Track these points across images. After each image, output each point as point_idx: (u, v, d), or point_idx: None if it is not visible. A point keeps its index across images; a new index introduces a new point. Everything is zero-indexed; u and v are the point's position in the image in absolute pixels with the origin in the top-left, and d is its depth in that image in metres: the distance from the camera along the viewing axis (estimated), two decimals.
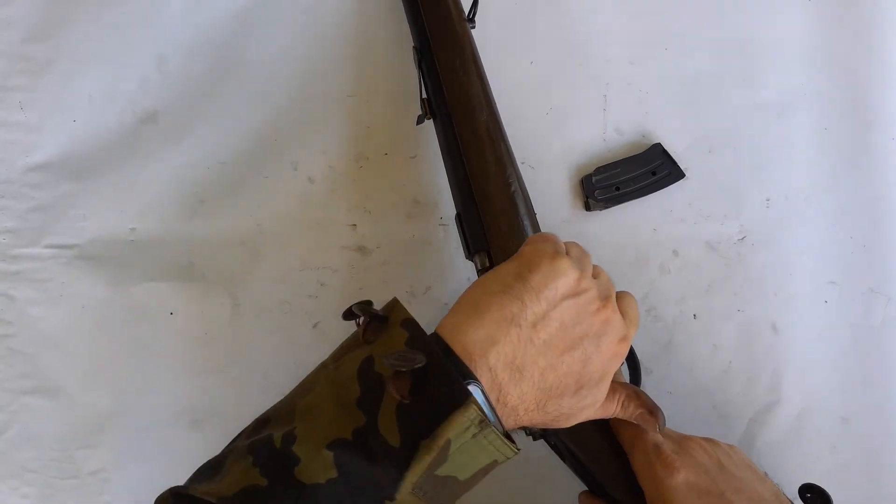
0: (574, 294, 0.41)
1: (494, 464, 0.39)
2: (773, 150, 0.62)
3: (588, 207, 0.60)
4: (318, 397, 0.41)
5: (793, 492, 0.50)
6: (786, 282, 0.61)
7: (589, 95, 0.62)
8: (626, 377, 0.54)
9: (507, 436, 0.39)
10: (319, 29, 0.61)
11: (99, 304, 0.58)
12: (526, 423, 0.42)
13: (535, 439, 0.50)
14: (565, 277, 0.41)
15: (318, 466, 0.37)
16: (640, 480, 0.47)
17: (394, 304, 0.43)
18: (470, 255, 0.52)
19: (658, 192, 0.61)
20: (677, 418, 0.59)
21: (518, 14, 0.62)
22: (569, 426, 0.43)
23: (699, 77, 0.62)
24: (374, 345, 0.41)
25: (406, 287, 0.60)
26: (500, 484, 0.58)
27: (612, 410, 0.46)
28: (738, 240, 0.61)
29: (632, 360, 0.55)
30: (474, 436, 0.37)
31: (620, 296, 0.46)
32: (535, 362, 0.40)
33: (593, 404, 0.43)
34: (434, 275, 0.60)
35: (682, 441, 0.48)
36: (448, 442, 0.37)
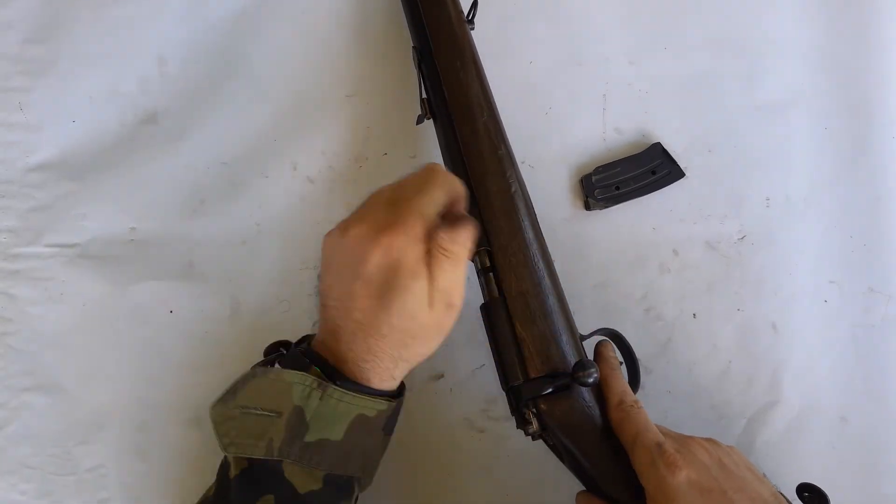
0: (339, 247, 0.44)
1: (364, 418, 0.44)
2: (773, 150, 0.62)
3: (588, 207, 0.60)
4: None
5: (790, 492, 0.50)
6: (785, 281, 0.61)
7: (589, 95, 0.62)
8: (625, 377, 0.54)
9: (379, 392, 0.44)
10: (319, 30, 0.61)
11: (99, 302, 0.58)
12: (398, 359, 0.44)
13: (533, 439, 0.50)
14: (329, 238, 0.45)
15: (233, 465, 0.45)
16: (642, 478, 0.47)
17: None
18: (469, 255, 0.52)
19: (658, 191, 0.61)
20: (677, 417, 0.59)
21: (517, 14, 0.62)
22: (435, 326, 0.45)
23: (699, 76, 0.62)
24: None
25: None
26: (499, 484, 0.58)
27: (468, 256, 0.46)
28: (738, 239, 0.61)
29: (630, 360, 0.55)
30: (321, 398, 0.43)
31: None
32: (340, 317, 0.44)
33: (421, 301, 0.43)
34: None
35: (683, 440, 0.48)
36: (298, 409, 0.42)
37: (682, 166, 0.61)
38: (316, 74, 0.61)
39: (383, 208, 0.44)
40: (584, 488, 0.52)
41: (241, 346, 0.58)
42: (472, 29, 0.55)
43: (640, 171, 0.61)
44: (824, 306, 0.61)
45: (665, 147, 0.61)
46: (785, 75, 0.63)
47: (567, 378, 0.48)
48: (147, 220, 0.59)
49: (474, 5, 0.56)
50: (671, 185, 0.61)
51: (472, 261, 0.52)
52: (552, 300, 0.50)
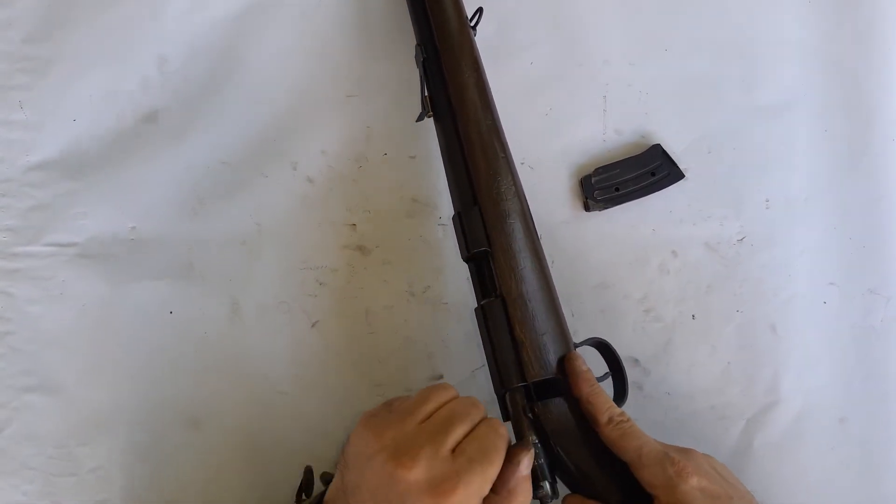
0: (373, 454, 0.40)
1: None
2: (772, 151, 0.62)
3: (587, 208, 0.60)
4: None
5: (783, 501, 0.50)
6: (785, 283, 0.61)
7: (588, 96, 0.62)
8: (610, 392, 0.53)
9: None
10: (320, 29, 0.61)
11: (99, 302, 0.58)
12: None
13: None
14: (361, 440, 0.41)
15: None
16: (652, 488, 0.46)
17: None
18: (468, 255, 0.52)
19: (657, 192, 0.61)
20: (676, 418, 0.59)
21: (518, 14, 0.62)
22: None
23: (699, 78, 0.62)
24: None
25: (405, 286, 0.60)
26: None
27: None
28: (738, 240, 0.61)
29: (619, 372, 0.54)
30: None
31: (475, 428, 0.42)
32: None
33: None
34: (433, 274, 0.60)
35: (683, 450, 0.49)
36: None
37: (681, 168, 0.61)
38: (316, 74, 0.61)
39: (444, 456, 0.40)
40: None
41: (240, 347, 0.58)
42: (475, 35, 0.56)
43: (640, 172, 0.61)
44: (824, 308, 0.61)
45: (665, 148, 0.61)
46: (785, 77, 0.63)
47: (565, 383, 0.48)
48: (147, 219, 0.59)
49: (479, 12, 0.56)
50: (671, 187, 0.61)
51: (468, 264, 0.52)
52: (549, 305, 0.50)
